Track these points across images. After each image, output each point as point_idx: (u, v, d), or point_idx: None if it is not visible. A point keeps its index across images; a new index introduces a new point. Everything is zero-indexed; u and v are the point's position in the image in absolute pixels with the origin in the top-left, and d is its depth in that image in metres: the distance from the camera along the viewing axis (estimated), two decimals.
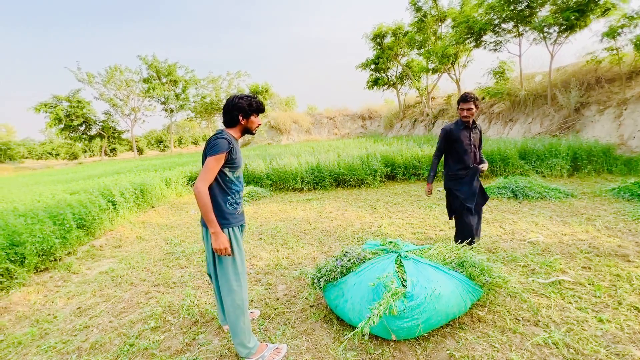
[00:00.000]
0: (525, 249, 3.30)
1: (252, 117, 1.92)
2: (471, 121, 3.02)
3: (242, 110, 1.87)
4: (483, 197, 3.22)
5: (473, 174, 3.12)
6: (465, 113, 2.92)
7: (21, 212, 3.93)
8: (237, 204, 1.95)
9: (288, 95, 43.11)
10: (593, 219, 4.03)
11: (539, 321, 2.11)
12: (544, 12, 10.28)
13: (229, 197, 1.90)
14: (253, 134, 2.01)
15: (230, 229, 1.89)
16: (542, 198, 5.12)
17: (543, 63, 14.30)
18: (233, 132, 1.91)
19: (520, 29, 11.31)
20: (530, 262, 2.96)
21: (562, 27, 9.80)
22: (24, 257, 3.39)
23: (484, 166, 3.15)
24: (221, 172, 1.85)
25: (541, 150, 7.06)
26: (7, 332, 2.47)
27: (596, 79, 9.62)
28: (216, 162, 1.77)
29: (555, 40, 10.37)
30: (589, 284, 2.52)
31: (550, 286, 2.53)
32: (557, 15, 9.56)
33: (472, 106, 2.89)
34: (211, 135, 1.84)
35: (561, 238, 3.50)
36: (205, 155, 1.81)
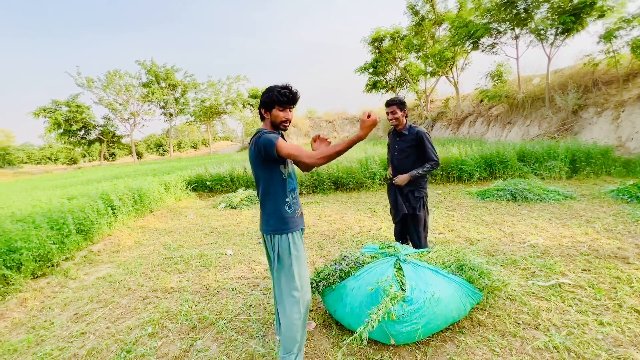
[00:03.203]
0: (525, 251, 3.28)
1: (275, 111, 1.73)
2: (402, 126, 2.89)
3: (263, 105, 1.75)
4: (409, 212, 2.90)
5: (390, 185, 3.02)
6: (389, 117, 2.85)
7: (19, 218, 3.91)
8: (295, 204, 1.81)
9: None
10: (592, 221, 4.03)
11: (539, 325, 2.10)
12: (541, 14, 10.37)
13: (287, 199, 1.77)
14: (280, 129, 1.78)
15: (291, 235, 1.75)
16: (541, 200, 5.12)
17: (540, 65, 14.40)
18: (266, 128, 1.78)
19: (517, 31, 11.39)
20: (530, 265, 2.95)
21: (559, 30, 9.88)
22: (21, 263, 3.37)
23: (397, 179, 2.84)
24: (277, 170, 1.73)
25: (540, 152, 7.07)
26: (2, 339, 2.44)
27: (593, 81, 9.68)
28: (285, 143, 1.64)
29: (552, 43, 10.44)
30: (589, 287, 2.50)
31: (550, 289, 2.51)
32: (553, 18, 9.64)
33: (396, 109, 2.80)
34: (254, 136, 1.73)
35: (561, 240, 3.49)
36: (257, 157, 1.69)
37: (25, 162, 45.53)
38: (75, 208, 4.53)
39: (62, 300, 3.02)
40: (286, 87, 1.71)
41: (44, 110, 28.14)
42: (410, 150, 2.86)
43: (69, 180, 12.13)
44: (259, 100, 1.81)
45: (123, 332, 2.40)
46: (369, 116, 1.56)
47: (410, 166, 2.85)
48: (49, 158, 46.52)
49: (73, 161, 41.47)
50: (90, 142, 32.27)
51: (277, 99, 1.70)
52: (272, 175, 1.74)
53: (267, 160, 1.69)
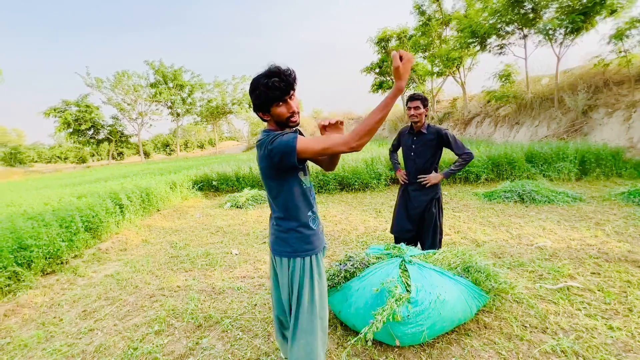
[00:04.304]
0: (533, 254, 3.24)
1: (274, 109, 1.35)
2: (421, 125, 2.70)
3: (257, 108, 1.39)
4: (426, 232, 2.76)
5: (403, 191, 2.84)
6: (412, 112, 2.63)
7: (30, 216, 3.99)
8: (318, 217, 1.52)
9: None
10: (602, 223, 3.96)
11: (547, 328, 2.07)
12: (549, 13, 10.23)
13: (310, 213, 1.46)
14: (290, 126, 1.41)
15: (314, 257, 1.45)
16: (549, 202, 5.05)
17: (549, 66, 14.19)
18: (272, 128, 1.43)
19: (525, 31, 11.26)
20: (538, 268, 2.91)
21: (568, 30, 9.74)
22: (31, 260, 3.44)
23: (428, 178, 2.66)
24: (297, 180, 1.41)
25: (548, 153, 6.98)
26: (13, 334, 2.49)
27: (604, 81, 9.51)
28: (307, 142, 1.29)
29: (561, 43, 10.29)
30: (599, 290, 2.46)
31: (559, 292, 2.48)
32: (562, 18, 9.51)
33: (420, 105, 2.61)
34: (260, 139, 1.38)
35: (569, 243, 3.44)
36: (270, 167, 1.34)
37: (36, 161, 46.32)
38: (84, 206, 4.60)
39: (71, 297, 3.07)
40: (273, 74, 1.30)
41: (54, 110, 28.63)
42: (431, 151, 2.69)
43: (78, 179, 12.33)
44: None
45: (130, 330, 2.43)
46: (400, 58, 1.17)
47: (430, 167, 2.71)
48: (58, 157, 47.30)
49: (82, 160, 42.12)
50: (99, 142, 32.75)
51: (269, 96, 1.31)
52: (291, 187, 1.40)
53: (284, 169, 1.34)
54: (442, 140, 2.67)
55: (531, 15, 10.51)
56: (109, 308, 2.80)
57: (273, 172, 1.37)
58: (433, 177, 2.66)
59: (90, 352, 2.19)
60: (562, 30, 9.92)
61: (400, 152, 3.03)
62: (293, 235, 1.42)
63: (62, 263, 3.83)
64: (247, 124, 37.79)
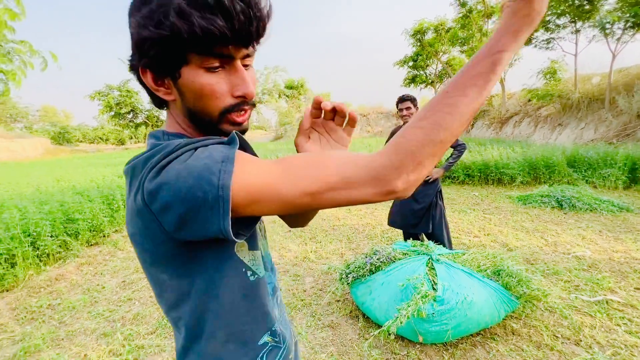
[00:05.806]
0: (569, 263, 3.07)
1: (194, 71, 0.46)
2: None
3: (142, 53, 0.47)
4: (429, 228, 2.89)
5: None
6: (404, 113, 2.80)
7: (77, 191, 4.34)
8: (283, 341, 0.60)
9: (323, 92, 43.21)
10: None
11: (581, 341, 1.97)
12: (608, 6, 9.38)
13: (266, 336, 0.56)
14: (225, 132, 0.52)
15: None
16: (591, 210, 4.73)
17: (602, 63, 13.08)
18: (172, 129, 0.56)
19: (578, 25, 10.42)
20: (574, 278, 2.76)
21: (628, 24, 8.89)
22: (78, 232, 3.75)
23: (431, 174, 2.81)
24: (234, 260, 0.52)
25: (594, 158, 6.49)
26: (63, 297, 2.75)
27: None
28: (271, 170, 0.43)
29: (618, 39, 9.44)
30: None
31: (596, 305, 2.34)
32: (623, 10, 8.69)
33: (411, 105, 2.78)
34: (134, 159, 0.48)
35: (612, 255, 3.22)
36: (148, 233, 0.47)
37: (81, 141, 49.87)
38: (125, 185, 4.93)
39: (112, 267, 3.33)
40: None
41: (99, 94, 30.59)
42: None
43: (118, 159, 13.15)
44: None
45: None
46: None
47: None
48: (100, 138, 50.61)
49: (121, 142, 44.87)
50: (137, 125, 34.67)
51: (190, 30, 0.41)
52: (216, 283, 0.51)
53: (195, 243, 0.46)
54: None
55: (587, 7, 9.69)
56: (145, 281, 3.01)
57: (162, 250, 0.48)
58: (435, 172, 2.87)
59: (129, 319, 2.38)
60: (622, 25, 9.08)
61: None
62: None
63: (104, 236, 4.14)
64: (275, 114, 38.27)
